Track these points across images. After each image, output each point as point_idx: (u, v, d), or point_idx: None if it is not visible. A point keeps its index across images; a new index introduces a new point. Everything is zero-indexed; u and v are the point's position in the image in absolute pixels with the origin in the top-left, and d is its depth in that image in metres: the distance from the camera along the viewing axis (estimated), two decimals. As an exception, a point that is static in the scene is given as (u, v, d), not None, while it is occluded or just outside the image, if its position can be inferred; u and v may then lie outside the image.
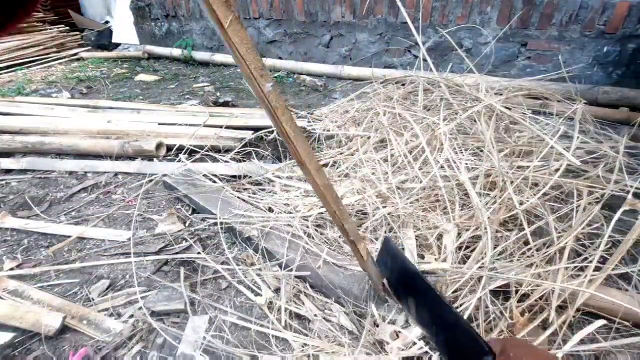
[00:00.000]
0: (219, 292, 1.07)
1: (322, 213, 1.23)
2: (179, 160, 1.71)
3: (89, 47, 5.12)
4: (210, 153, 1.69)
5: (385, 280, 0.69)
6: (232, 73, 3.69)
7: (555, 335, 0.83)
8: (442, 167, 1.25)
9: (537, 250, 1.01)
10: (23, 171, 1.82)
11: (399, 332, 0.83)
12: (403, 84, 2.11)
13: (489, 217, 1.05)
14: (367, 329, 0.87)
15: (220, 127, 1.98)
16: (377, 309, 0.90)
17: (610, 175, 1.21)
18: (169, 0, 4.30)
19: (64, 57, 4.62)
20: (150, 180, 1.56)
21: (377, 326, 0.88)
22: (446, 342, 0.52)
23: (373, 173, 1.38)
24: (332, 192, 0.66)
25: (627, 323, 0.87)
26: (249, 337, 0.92)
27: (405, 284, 0.62)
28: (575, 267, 0.95)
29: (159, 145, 1.89)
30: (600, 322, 0.82)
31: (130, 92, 3.19)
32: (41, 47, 4.57)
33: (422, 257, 1.04)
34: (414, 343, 0.79)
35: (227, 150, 1.80)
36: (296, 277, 1.06)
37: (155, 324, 0.95)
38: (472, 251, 1.04)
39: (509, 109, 1.59)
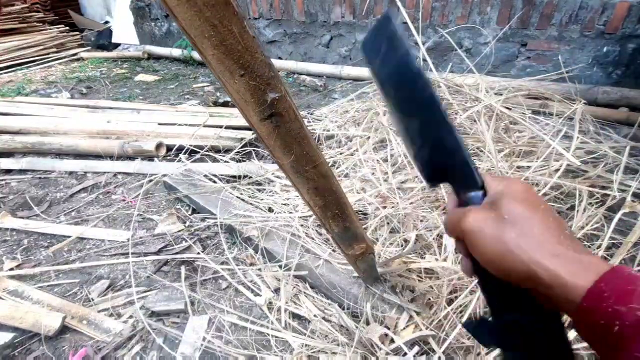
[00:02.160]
0: (219, 292, 1.07)
1: (322, 213, 1.23)
2: (179, 161, 1.71)
3: (89, 47, 5.12)
4: (210, 153, 1.69)
5: (370, 70, 0.45)
6: (232, 73, 3.68)
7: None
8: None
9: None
10: (23, 171, 1.82)
11: (387, 334, 0.84)
12: (403, 84, 2.11)
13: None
14: (359, 329, 0.87)
15: (220, 127, 1.98)
16: (373, 309, 0.90)
17: (610, 175, 1.21)
18: (169, 1, 4.30)
19: (64, 57, 4.62)
20: (150, 181, 1.56)
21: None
22: (430, 160, 0.42)
23: (373, 173, 1.38)
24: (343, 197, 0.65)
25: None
26: (248, 338, 0.92)
27: (400, 82, 0.46)
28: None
29: (158, 146, 1.89)
30: None
31: (130, 92, 3.19)
32: (41, 47, 4.57)
33: (423, 257, 1.04)
34: (405, 353, 0.79)
35: (227, 150, 1.80)
36: (296, 277, 1.06)
37: (154, 324, 0.95)
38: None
39: (509, 109, 1.59)
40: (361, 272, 0.89)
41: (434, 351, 0.82)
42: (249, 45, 0.42)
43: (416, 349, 0.82)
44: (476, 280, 0.39)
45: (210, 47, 0.40)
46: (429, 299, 0.92)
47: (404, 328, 0.88)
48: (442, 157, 0.40)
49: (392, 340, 0.84)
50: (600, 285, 0.28)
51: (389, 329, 0.86)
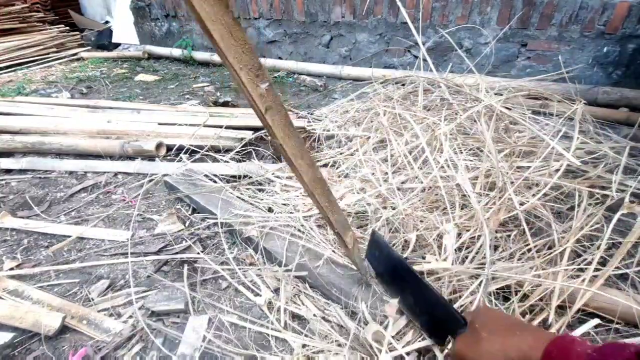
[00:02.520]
0: (219, 292, 1.07)
1: (322, 213, 1.23)
2: (179, 160, 1.71)
3: (89, 47, 5.12)
4: (210, 153, 1.69)
5: (372, 271, 0.75)
6: (232, 73, 3.68)
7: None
8: (442, 167, 1.25)
9: (538, 251, 1.01)
10: (23, 171, 1.82)
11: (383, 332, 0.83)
12: (403, 84, 2.11)
13: (487, 218, 1.05)
14: (357, 329, 0.87)
15: (221, 127, 1.98)
16: (372, 309, 0.90)
17: (610, 176, 1.21)
18: (169, 0, 4.30)
19: (64, 57, 4.62)
20: (151, 180, 1.56)
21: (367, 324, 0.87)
22: (428, 321, 0.59)
23: (373, 173, 1.38)
24: (324, 186, 0.66)
25: (626, 323, 0.87)
26: (248, 338, 0.92)
27: (392, 273, 0.67)
28: (575, 268, 0.95)
29: (159, 145, 1.89)
30: (595, 322, 0.82)
31: (130, 92, 3.19)
32: (41, 47, 4.57)
33: (423, 257, 1.04)
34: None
35: (227, 150, 1.80)
36: (296, 277, 1.06)
37: (154, 324, 0.95)
38: (472, 252, 1.04)
39: (509, 109, 1.59)
40: (359, 266, 0.89)
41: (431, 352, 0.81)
42: (239, 37, 0.44)
43: (415, 353, 0.82)
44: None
45: (220, 39, 0.42)
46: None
47: (400, 331, 0.88)
48: (436, 314, 0.57)
49: (391, 344, 0.84)
50: (549, 349, 0.40)
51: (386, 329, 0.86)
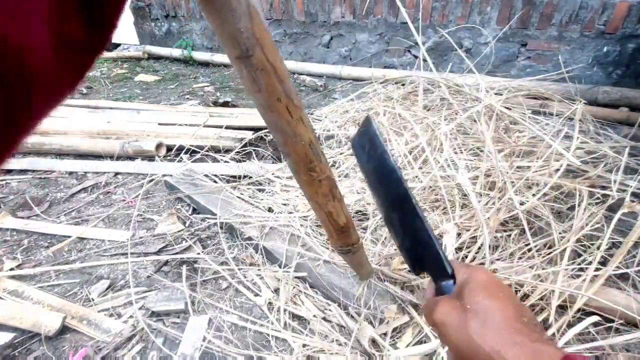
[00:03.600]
0: (219, 292, 1.07)
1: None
2: (180, 160, 1.71)
3: (89, 48, 5.12)
4: (211, 153, 1.69)
5: (358, 165, 0.58)
6: (232, 73, 3.69)
7: (556, 334, 0.83)
8: (442, 167, 1.25)
9: (538, 250, 1.01)
10: (23, 171, 1.82)
11: (374, 339, 0.84)
12: (403, 84, 2.11)
13: (487, 218, 1.05)
14: (357, 329, 0.87)
15: (221, 127, 1.98)
16: (371, 309, 0.90)
17: (611, 175, 1.21)
18: (169, 1, 4.30)
19: (64, 58, 4.62)
20: (151, 181, 1.57)
21: (373, 326, 0.88)
22: (411, 250, 0.50)
23: (373, 173, 1.38)
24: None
25: (626, 323, 0.87)
26: (248, 338, 0.92)
27: (380, 177, 0.54)
28: (575, 268, 0.95)
29: (158, 146, 1.89)
30: (594, 319, 0.82)
31: (130, 92, 3.19)
32: (41, 47, 4.56)
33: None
34: None
35: (227, 151, 1.80)
36: (296, 277, 1.06)
37: (154, 325, 0.95)
38: (471, 251, 1.04)
39: (509, 109, 1.59)
40: (358, 268, 0.89)
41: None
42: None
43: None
44: None
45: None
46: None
47: (398, 327, 0.88)
48: (418, 248, 0.48)
49: (392, 344, 0.84)
50: None
51: (385, 334, 0.86)
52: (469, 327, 0.35)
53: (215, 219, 1.26)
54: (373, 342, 0.85)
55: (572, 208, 1.16)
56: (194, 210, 1.43)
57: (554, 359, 0.32)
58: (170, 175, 1.55)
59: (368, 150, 0.55)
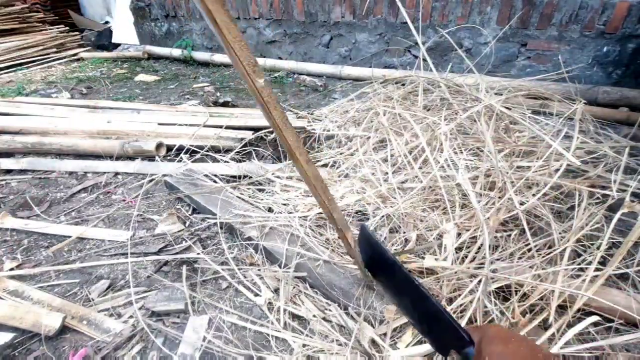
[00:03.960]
0: (219, 292, 1.07)
1: (321, 213, 1.23)
2: (180, 160, 1.71)
3: (89, 48, 5.13)
4: (211, 153, 1.69)
5: (367, 269, 0.69)
6: (232, 73, 3.69)
7: (555, 334, 0.83)
8: (442, 167, 1.25)
9: (538, 250, 1.01)
10: (23, 171, 1.82)
11: (374, 340, 0.84)
12: (403, 84, 2.11)
13: (487, 218, 1.05)
14: (356, 329, 0.87)
15: (220, 127, 1.98)
16: (371, 309, 0.90)
17: (611, 175, 1.21)
18: (169, 1, 4.30)
19: (64, 58, 4.62)
20: (151, 181, 1.57)
21: (372, 326, 0.88)
22: (429, 331, 0.53)
23: (373, 173, 1.38)
24: (321, 183, 0.67)
25: (626, 322, 0.87)
26: (248, 338, 0.92)
27: (385, 271, 0.61)
28: (575, 268, 0.95)
29: (159, 146, 1.89)
30: (593, 319, 0.82)
31: (130, 92, 3.19)
32: (41, 47, 4.57)
33: (422, 257, 1.04)
34: None
35: (227, 151, 1.80)
36: (296, 277, 1.06)
37: (154, 325, 0.95)
38: (471, 251, 1.04)
39: (509, 109, 1.59)
40: (359, 264, 0.89)
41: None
42: (236, 35, 0.46)
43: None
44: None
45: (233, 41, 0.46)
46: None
47: (398, 327, 0.88)
48: (434, 326, 0.51)
49: (392, 345, 0.84)
50: None
51: (385, 335, 0.86)
52: None
53: (215, 219, 1.26)
54: (373, 342, 0.85)
55: (572, 208, 1.16)
56: (194, 210, 1.43)
57: None
58: (170, 175, 1.55)
59: (371, 253, 0.64)
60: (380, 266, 0.61)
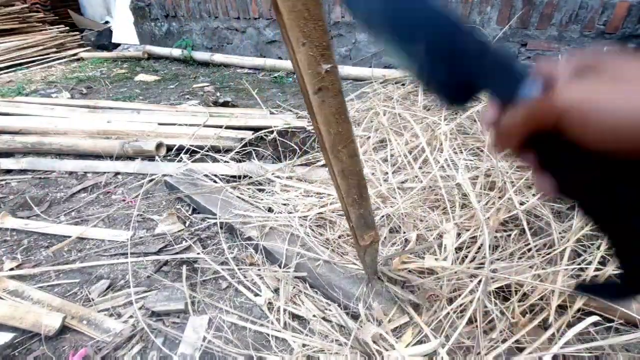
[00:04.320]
0: (219, 292, 1.07)
1: (321, 213, 1.23)
2: (180, 160, 1.71)
3: (89, 47, 5.13)
4: (210, 153, 1.69)
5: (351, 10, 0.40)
6: (232, 73, 3.69)
7: (555, 334, 0.83)
8: (442, 167, 1.25)
9: (537, 250, 1.01)
10: (23, 171, 1.82)
11: (381, 334, 0.84)
12: (403, 84, 2.11)
13: (487, 218, 1.05)
14: (356, 329, 0.87)
15: (220, 127, 1.98)
16: (371, 309, 0.90)
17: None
18: (169, 1, 4.30)
19: (64, 57, 4.62)
20: (151, 180, 1.57)
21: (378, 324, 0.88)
22: (451, 73, 0.31)
23: (373, 173, 1.38)
24: (361, 179, 0.62)
25: (626, 322, 0.87)
26: (248, 338, 0.92)
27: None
28: (575, 268, 0.95)
29: (158, 146, 1.89)
30: (594, 319, 0.82)
31: (130, 92, 3.19)
32: (41, 47, 4.57)
33: (422, 257, 1.04)
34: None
35: (227, 151, 1.80)
36: (296, 277, 1.06)
37: (154, 324, 0.95)
38: (471, 251, 1.04)
39: (509, 109, 1.58)
40: (367, 265, 0.89)
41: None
42: (315, 14, 0.41)
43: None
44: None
45: (287, 11, 0.40)
46: (430, 295, 0.93)
47: (398, 327, 0.88)
48: (465, 63, 0.30)
49: (391, 345, 0.84)
50: None
51: (387, 333, 0.86)
52: (636, 90, 0.21)
53: (215, 219, 1.26)
54: (373, 342, 0.85)
55: (572, 208, 1.16)
56: (194, 210, 1.43)
57: None
58: (170, 175, 1.55)
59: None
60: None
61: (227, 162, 1.66)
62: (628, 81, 0.22)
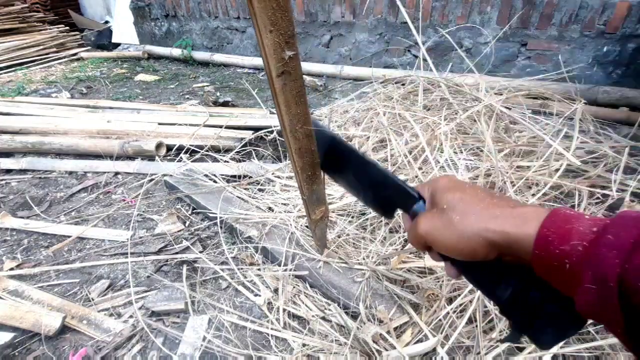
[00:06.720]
0: (219, 292, 1.07)
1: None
2: (180, 160, 1.71)
3: (89, 47, 5.13)
4: (210, 153, 1.69)
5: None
6: (232, 73, 3.69)
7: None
8: (442, 167, 1.25)
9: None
10: (23, 171, 1.83)
11: (381, 334, 0.84)
12: (403, 84, 2.11)
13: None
14: (356, 328, 0.87)
15: (220, 127, 1.98)
16: (370, 308, 0.90)
17: (610, 175, 1.21)
18: (169, 0, 4.30)
19: (64, 57, 4.62)
20: (151, 180, 1.57)
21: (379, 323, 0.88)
22: (374, 197, 0.52)
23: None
24: (315, 158, 0.65)
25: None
26: (248, 337, 0.92)
27: (331, 154, 0.59)
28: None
29: (158, 145, 1.89)
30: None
31: (130, 92, 3.19)
32: (41, 47, 4.57)
33: (422, 257, 1.04)
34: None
35: (227, 150, 1.80)
36: (296, 276, 1.06)
37: (154, 324, 0.95)
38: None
39: (509, 108, 1.59)
40: (317, 238, 0.89)
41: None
42: (283, 5, 0.45)
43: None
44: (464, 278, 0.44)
45: (257, 0, 0.44)
46: (430, 295, 0.93)
47: (398, 327, 0.88)
48: (380, 191, 0.49)
49: (391, 345, 0.84)
50: (544, 231, 0.30)
51: (388, 333, 0.86)
52: (452, 221, 0.36)
53: (215, 218, 1.27)
54: (373, 341, 0.85)
55: (572, 208, 1.16)
56: (194, 210, 1.43)
57: (541, 216, 0.31)
58: (170, 175, 1.55)
59: (319, 140, 0.59)
60: (326, 149, 0.59)
61: (227, 162, 1.66)
62: (452, 209, 0.37)
